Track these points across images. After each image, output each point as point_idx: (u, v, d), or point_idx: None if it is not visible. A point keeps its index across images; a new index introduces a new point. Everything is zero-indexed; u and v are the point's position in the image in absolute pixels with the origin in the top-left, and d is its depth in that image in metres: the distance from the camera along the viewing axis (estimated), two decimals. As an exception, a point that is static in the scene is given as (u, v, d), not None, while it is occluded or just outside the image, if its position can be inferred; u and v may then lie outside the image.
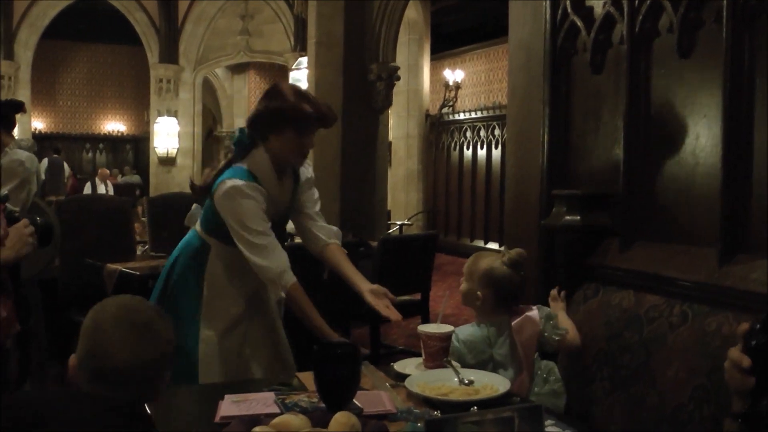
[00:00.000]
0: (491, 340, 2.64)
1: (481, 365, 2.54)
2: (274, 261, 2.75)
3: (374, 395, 2.11)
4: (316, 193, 3.09)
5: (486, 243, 12.74)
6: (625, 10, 2.89)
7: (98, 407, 1.50)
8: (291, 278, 2.74)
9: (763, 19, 2.42)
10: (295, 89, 2.89)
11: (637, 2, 2.85)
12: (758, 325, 1.45)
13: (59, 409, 1.49)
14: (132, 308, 1.60)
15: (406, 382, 2.17)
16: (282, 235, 3.15)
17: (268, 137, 2.84)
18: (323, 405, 1.95)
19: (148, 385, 1.57)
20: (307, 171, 3.04)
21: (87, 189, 14.96)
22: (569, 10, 3.15)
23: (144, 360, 1.54)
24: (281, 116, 2.80)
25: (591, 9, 3.10)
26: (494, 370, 2.54)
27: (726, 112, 2.48)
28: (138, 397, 1.56)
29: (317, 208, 3.07)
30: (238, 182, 2.76)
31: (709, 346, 2.25)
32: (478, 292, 2.65)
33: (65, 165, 15.04)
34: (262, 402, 2.05)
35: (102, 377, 1.53)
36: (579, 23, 3.11)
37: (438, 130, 14.39)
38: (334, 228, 3.06)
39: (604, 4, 3.00)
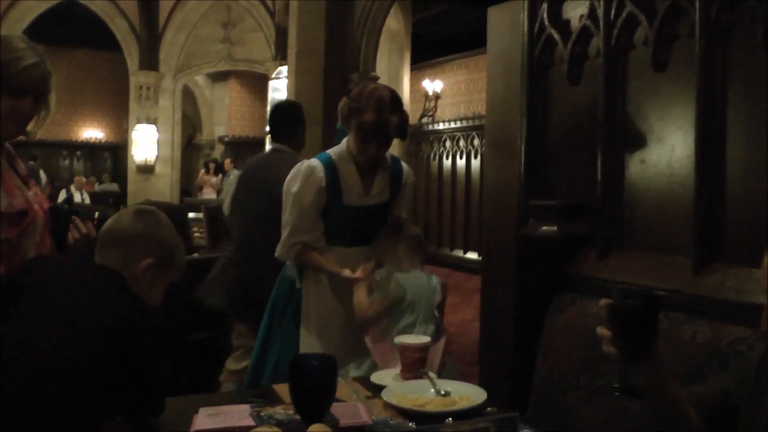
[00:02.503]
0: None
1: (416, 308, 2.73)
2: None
3: (350, 407, 2.09)
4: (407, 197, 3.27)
5: (465, 252, 12.75)
6: (602, 23, 2.92)
7: (94, 267, 2.00)
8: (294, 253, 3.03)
9: (736, 33, 2.46)
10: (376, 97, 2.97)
11: (613, 16, 2.88)
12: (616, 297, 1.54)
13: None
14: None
15: (383, 394, 2.16)
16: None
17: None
18: (299, 417, 1.93)
19: (129, 252, 2.01)
20: (410, 175, 3.22)
21: (62, 197, 14.84)
22: (546, 23, 3.18)
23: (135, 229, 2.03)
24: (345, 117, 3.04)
25: (568, 22, 3.13)
26: (425, 323, 2.75)
27: (700, 123, 2.51)
28: (122, 264, 1.99)
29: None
30: (313, 161, 3.07)
31: (685, 354, 2.27)
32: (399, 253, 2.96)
33: (42, 172, 14.93)
34: (238, 415, 2.01)
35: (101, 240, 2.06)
36: (556, 36, 3.14)
37: (418, 140, 14.39)
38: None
39: (581, 17, 3.03)
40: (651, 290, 1.66)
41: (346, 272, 2.93)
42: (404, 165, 3.22)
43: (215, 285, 4.27)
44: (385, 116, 2.91)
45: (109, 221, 2.10)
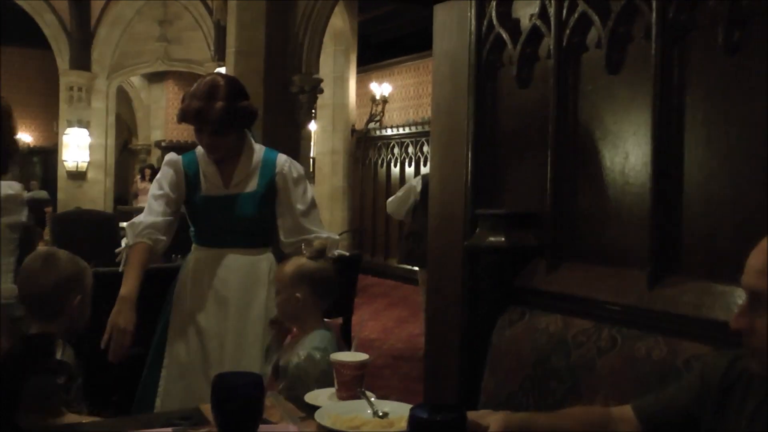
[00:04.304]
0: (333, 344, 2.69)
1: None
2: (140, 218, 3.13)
3: (281, 429, 2.06)
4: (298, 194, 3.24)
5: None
6: (552, 23, 2.89)
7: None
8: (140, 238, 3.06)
9: (693, 36, 2.45)
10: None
11: (564, 15, 2.86)
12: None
13: None
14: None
15: (316, 415, 2.11)
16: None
17: None
18: (225, 440, 1.88)
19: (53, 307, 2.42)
20: (287, 165, 3.22)
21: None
22: (495, 21, 3.15)
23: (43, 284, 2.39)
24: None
25: (517, 21, 3.10)
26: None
27: (656, 129, 2.50)
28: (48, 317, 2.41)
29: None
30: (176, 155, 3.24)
31: (639, 372, 2.26)
32: (297, 294, 2.68)
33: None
34: (159, 438, 1.97)
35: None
36: (505, 36, 3.11)
37: (365, 145, 14.41)
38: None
39: (531, 16, 3.01)
40: (461, 408, 1.66)
41: (123, 291, 2.92)
42: (281, 156, 3.28)
43: None
44: (205, 103, 3.00)
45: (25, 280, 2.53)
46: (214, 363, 3.04)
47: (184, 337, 3.13)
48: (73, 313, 2.52)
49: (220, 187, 3.16)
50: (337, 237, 3.31)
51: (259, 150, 3.24)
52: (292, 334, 2.81)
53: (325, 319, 2.82)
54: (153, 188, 3.22)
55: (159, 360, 3.16)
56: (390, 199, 7.59)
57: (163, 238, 3.12)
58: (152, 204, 3.15)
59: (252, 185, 3.17)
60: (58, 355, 2.48)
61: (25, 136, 20.83)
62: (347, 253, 5.99)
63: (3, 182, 3.03)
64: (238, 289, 3.10)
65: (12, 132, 3.02)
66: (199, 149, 3.20)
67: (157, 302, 3.24)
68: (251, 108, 3.15)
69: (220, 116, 3.00)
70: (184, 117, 3.06)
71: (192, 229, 3.27)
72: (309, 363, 2.57)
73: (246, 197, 3.16)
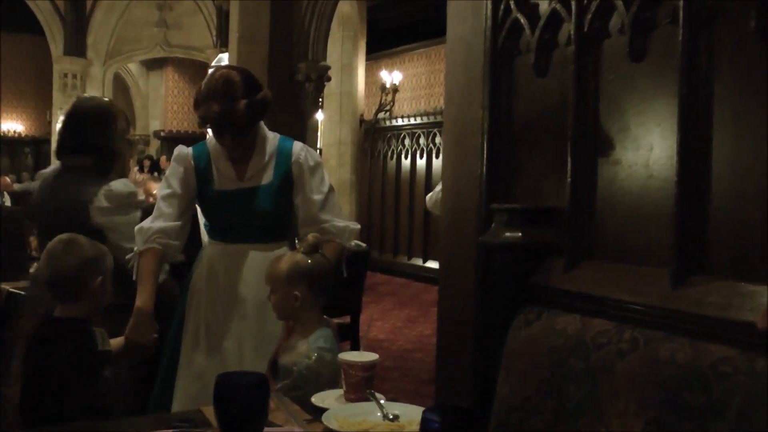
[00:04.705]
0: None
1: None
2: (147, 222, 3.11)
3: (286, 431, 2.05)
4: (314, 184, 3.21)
5: (425, 261, 12.78)
6: (573, 8, 2.89)
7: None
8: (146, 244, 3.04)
9: (723, 21, 2.44)
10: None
11: (585, 0, 2.85)
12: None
13: None
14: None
15: (324, 417, 2.11)
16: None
17: None
18: (227, 444, 1.88)
19: (75, 289, 2.65)
20: (302, 154, 3.18)
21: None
22: (512, 6, 3.15)
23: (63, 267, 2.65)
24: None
25: (536, 6, 3.10)
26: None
27: (682, 121, 2.49)
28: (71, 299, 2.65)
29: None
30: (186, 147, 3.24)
31: (663, 375, 2.24)
32: (295, 292, 2.69)
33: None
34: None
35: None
36: (522, 21, 3.11)
37: (373, 137, 14.40)
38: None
39: (551, 0, 3.00)
40: (476, 411, 1.66)
41: (153, 324, 2.94)
42: (297, 144, 3.24)
43: None
44: (226, 104, 2.97)
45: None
46: (232, 364, 3.03)
47: (200, 338, 3.13)
48: (96, 294, 2.69)
49: (233, 181, 3.14)
50: (357, 226, 3.25)
51: (273, 139, 3.21)
52: (288, 331, 2.82)
53: (324, 316, 2.82)
54: (161, 187, 3.21)
55: (175, 360, 3.16)
56: (429, 194, 7.59)
57: (175, 242, 3.10)
58: (161, 206, 3.12)
59: (267, 177, 3.14)
60: (99, 345, 2.61)
61: (16, 126, 20.90)
62: (364, 244, 5.96)
63: (116, 181, 3.31)
64: (256, 286, 3.08)
65: (119, 134, 3.44)
66: (211, 140, 3.17)
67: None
68: (269, 98, 3.12)
69: (245, 115, 2.98)
70: (205, 122, 3.02)
71: (205, 222, 3.28)
72: (320, 364, 2.57)
73: (261, 190, 3.14)
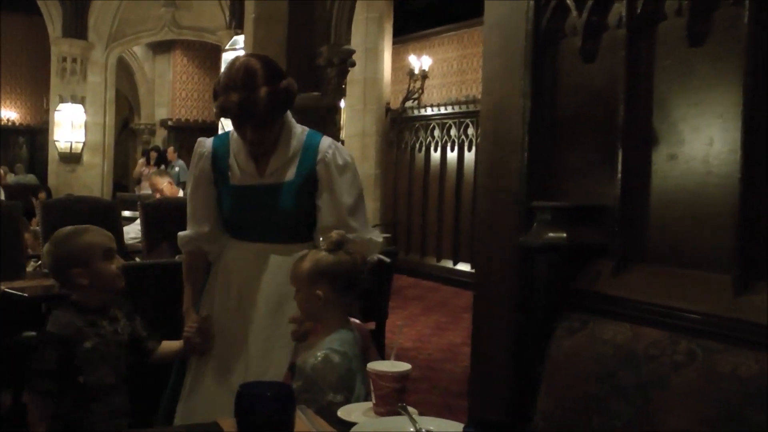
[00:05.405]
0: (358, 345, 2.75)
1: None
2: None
3: (312, 448, 2.06)
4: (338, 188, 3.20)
5: (455, 263, 12.76)
6: (625, -14, 2.89)
7: None
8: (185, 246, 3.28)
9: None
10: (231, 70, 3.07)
11: (639, -23, 2.86)
12: None
13: None
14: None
15: (352, 432, 2.13)
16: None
17: None
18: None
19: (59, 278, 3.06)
20: (330, 151, 3.17)
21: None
22: (558, -16, 3.15)
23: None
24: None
25: (584, -16, 3.10)
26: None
27: (746, 111, 2.48)
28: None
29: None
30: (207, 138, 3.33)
31: (723, 391, 2.24)
32: (317, 292, 2.73)
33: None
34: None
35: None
36: (568, 1, 3.11)
37: (400, 127, 14.39)
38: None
39: (600, -22, 3.01)
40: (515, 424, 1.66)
41: (194, 316, 3.19)
42: (326, 140, 3.23)
43: None
44: (247, 93, 2.96)
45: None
46: (238, 371, 3.06)
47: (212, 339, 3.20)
48: (80, 284, 3.02)
49: (253, 176, 3.15)
50: (380, 239, 3.24)
51: (300, 133, 3.20)
52: (313, 332, 2.85)
53: (353, 320, 2.85)
54: (188, 186, 3.34)
55: (183, 362, 3.23)
56: None
57: (213, 247, 3.26)
58: (191, 210, 3.28)
59: (290, 174, 3.15)
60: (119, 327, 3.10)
61: (9, 114, 20.97)
62: (388, 260, 5.95)
63: None
64: (271, 288, 3.11)
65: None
66: (234, 132, 3.18)
67: (177, 296, 3.34)
68: (293, 87, 3.10)
69: (267, 105, 2.98)
70: (224, 113, 3.04)
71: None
72: (326, 366, 2.60)
73: (282, 187, 3.15)
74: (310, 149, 3.17)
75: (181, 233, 3.28)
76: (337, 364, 2.60)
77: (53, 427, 2.89)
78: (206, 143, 3.26)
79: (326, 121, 4.80)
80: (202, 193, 3.22)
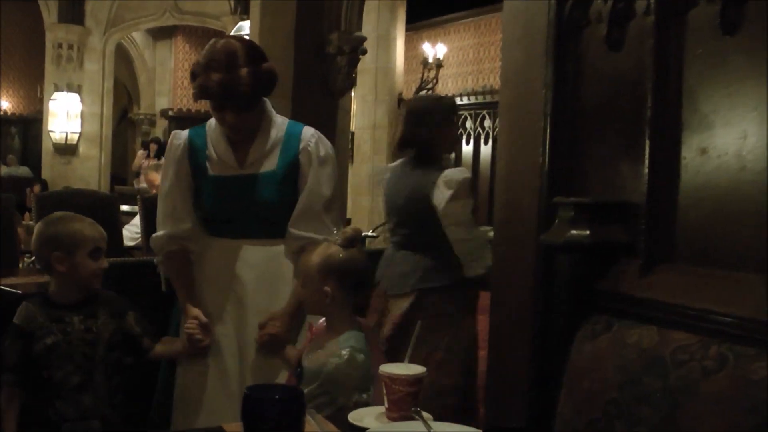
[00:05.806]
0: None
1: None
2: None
3: (322, 454, 2.07)
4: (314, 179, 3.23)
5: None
6: (654, -30, 2.89)
7: None
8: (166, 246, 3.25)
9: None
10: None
11: (668, -39, 2.85)
12: None
13: None
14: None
15: (363, 439, 2.14)
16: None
17: None
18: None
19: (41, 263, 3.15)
20: (313, 141, 3.23)
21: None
22: (582, -32, 3.15)
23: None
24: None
25: (610, -32, 3.10)
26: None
27: (782, 104, 2.48)
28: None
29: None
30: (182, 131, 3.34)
31: (756, 399, 2.23)
32: (325, 288, 2.76)
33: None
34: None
35: None
36: (594, -15, 3.11)
37: (413, 119, 14.36)
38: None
39: (627, -39, 3.01)
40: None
41: (194, 312, 3.15)
42: (308, 129, 3.28)
43: None
44: (227, 74, 3.00)
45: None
46: (232, 374, 3.08)
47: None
48: (57, 270, 3.10)
49: (233, 166, 3.18)
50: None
51: (281, 123, 3.25)
52: (314, 332, 2.85)
53: (357, 317, 2.87)
54: (161, 182, 3.33)
55: (172, 367, 3.25)
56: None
57: (196, 246, 3.24)
58: (170, 207, 3.25)
59: (271, 164, 3.19)
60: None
61: (1, 102, 20.96)
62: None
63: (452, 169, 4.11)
64: (257, 288, 3.13)
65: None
66: (211, 122, 3.22)
67: (162, 295, 3.37)
68: (274, 70, 3.15)
69: (248, 85, 3.01)
70: (203, 94, 3.06)
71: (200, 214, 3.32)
72: (351, 365, 2.61)
73: (263, 178, 3.18)
74: (292, 138, 3.22)
75: (156, 234, 3.24)
76: (362, 363, 2.63)
77: (22, 419, 2.96)
78: (181, 135, 3.27)
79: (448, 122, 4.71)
80: (180, 188, 3.22)
